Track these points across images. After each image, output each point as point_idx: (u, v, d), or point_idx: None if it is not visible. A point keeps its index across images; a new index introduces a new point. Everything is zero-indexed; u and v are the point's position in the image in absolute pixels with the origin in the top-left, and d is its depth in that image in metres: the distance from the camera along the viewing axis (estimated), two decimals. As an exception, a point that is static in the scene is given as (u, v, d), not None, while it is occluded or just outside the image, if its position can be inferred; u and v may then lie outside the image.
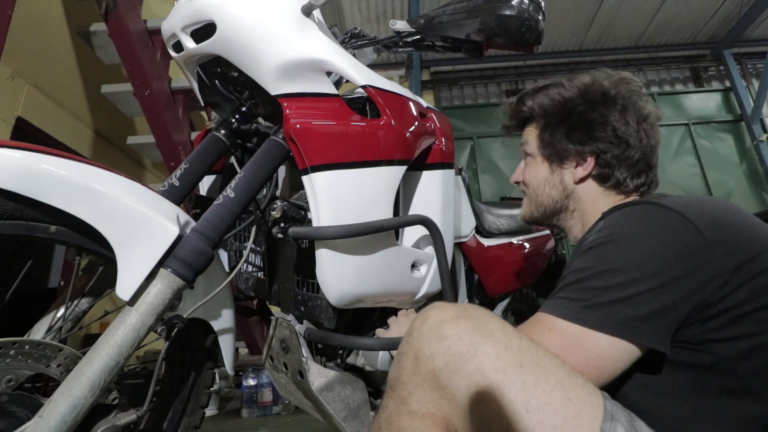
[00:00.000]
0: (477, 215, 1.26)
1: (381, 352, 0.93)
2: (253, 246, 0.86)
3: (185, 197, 0.87)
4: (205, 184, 1.05)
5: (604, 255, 0.62)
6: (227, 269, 1.06)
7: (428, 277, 0.91)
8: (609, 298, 0.57)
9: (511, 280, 1.33)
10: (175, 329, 0.69)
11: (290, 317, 0.97)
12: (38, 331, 0.77)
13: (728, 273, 0.56)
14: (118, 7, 2.00)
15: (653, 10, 4.74)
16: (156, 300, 0.63)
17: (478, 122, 5.02)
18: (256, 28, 0.76)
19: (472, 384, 0.50)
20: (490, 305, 1.36)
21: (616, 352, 0.56)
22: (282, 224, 0.78)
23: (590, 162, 0.80)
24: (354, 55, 1.05)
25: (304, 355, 0.86)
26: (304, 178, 0.76)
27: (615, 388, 0.60)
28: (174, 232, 0.65)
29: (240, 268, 1.07)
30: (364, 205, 0.78)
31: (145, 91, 2.15)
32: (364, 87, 0.84)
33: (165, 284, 0.64)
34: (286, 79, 0.77)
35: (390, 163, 0.81)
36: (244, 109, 0.91)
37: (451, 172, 0.96)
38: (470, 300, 1.23)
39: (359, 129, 0.79)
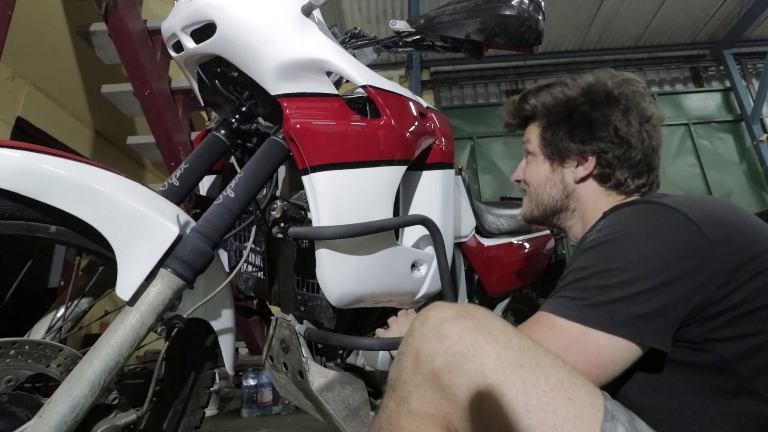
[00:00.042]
0: (477, 215, 1.26)
1: (381, 352, 0.93)
2: (253, 246, 0.86)
3: (185, 197, 0.87)
4: (205, 184, 1.05)
5: (605, 254, 0.62)
6: (227, 269, 1.06)
7: (428, 277, 0.91)
8: (610, 297, 0.57)
9: (511, 280, 1.33)
10: (175, 329, 0.69)
11: (290, 317, 0.97)
12: (38, 331, 0.77)
13: (729, 272, 0.56)
14: (118, 7, 2.00)
15: (653, 10, 4.74)
16: (156, 300, 0.63)
17: (478, 122, 5.02)
18: (256, 28, 0.76)
19: (472, 384, 0.50)
20: (490, 305, 1.35)
21: (617, 351, 0.56)
22: (282, 224, 0.78)
23: (591, 161, 0.79)
24: (354, 55, 1.05)
25: (304, 355, 0.86)
26: (304, 178, 0.76)
27: (615, 387, 0.60)
28: (174, 232, 0.65)
29: (240, 268, 1.07)
30: (364, 205, 0.78)
31: (145, 91, 2.15)
32: (364, 87, 0.84)
33: (165, 284, 0.64)
34: (286, 79, 0.77)
35: (390, 163, 0.81)
36: (244, 109, 0.91)
37: (451, 172, 0.96)
38: (470, 300, 1.23)
39: (359, 129, 0.79)
